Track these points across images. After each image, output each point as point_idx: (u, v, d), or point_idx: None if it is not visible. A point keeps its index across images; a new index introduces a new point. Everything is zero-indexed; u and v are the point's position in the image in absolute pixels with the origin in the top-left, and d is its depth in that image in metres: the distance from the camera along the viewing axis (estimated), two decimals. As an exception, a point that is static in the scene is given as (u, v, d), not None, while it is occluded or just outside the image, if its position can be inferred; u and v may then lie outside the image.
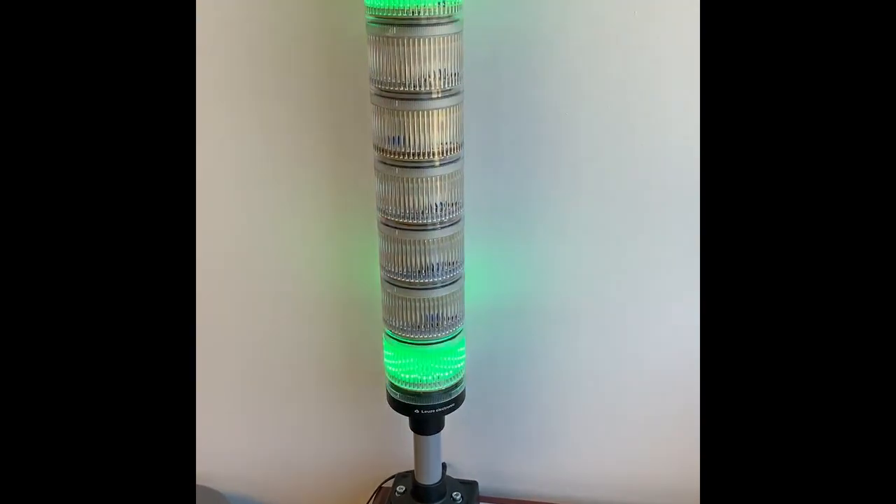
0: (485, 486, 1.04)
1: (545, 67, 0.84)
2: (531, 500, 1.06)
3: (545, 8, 0.82)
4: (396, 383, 0.85)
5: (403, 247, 0.78)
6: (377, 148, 0.76)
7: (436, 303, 0.80)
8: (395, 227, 0.77)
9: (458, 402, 0.86)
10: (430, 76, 0.71)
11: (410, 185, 0.75)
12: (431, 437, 0.89)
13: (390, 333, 0.84)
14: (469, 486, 0.98)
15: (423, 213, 0.76)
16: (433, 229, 0.77)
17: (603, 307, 0.95)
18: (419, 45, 0.70)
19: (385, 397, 0.88)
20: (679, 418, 0.99)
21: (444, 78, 0.72)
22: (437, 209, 0.76)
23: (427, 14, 0.69)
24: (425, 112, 0.72)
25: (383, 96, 0.73)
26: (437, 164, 0.75)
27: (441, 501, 0.94)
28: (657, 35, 0.82)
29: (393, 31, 0.69)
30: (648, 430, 1.01)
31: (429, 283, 0.79)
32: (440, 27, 0.70)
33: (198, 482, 1.14)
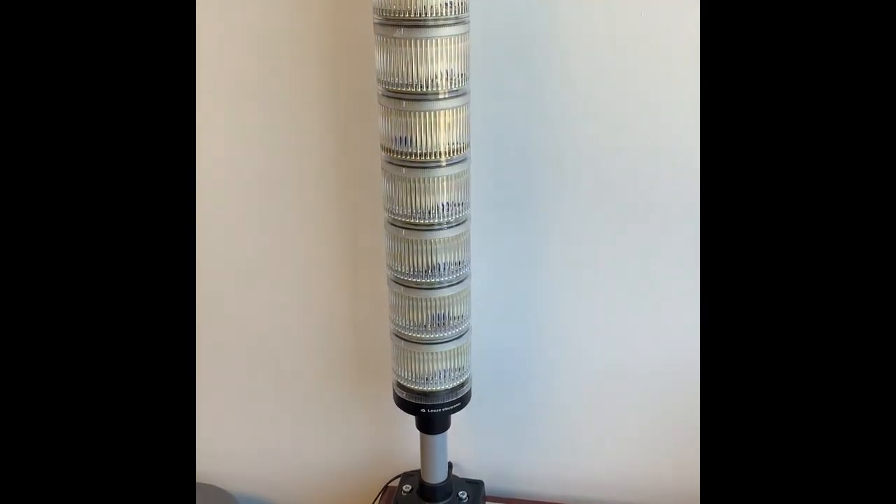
0: (491, 485, 1.05)
1: (551, 68, 0.85)
2: (537, 499, 1.06)
3: (551, 9, 0.82)
4: (403, 382, 0.85)
5: (410, 246, 0.78)
6: (384, 148, 0.77)
7: (442, 302, 0.81)
8: (402, 227, 0.78)
9: (464, 401, 0.87)
10: (436, 77, 0.71)
11: (417, 185, 0.76)
12: (438, 437, 0.90)
13: (397, 332, 0.84)
14: (475, 486, 0.98)
15: (429, 212, 0.77)
16: (440, 229, 0.77)
17: (609, 307, 0.95)
18: (426, 46, 0.70)
19: (391, 396, 0.88)
20: (684, 419, 0.99)
21: (451, 79, 0.72)
22: (443, 209, 0.77)
23: (434, 15, 0.69)
24: (432, 112, 0.73)
25: (390, 97, 0.73)
26: (444, 164, 0.75)
27: (447, 501, 0.94)
28: (662, 36, 0.82)
29: (400, 32, 0.70)
30: (653, 430, 1.01)
31: (435, 283, 0.80)
32: (447, 28, 0.70)
33: (205, 481, 1.14)
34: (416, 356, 0.83)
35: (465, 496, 0.95)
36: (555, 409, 1.03)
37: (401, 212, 0.77)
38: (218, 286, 1.02)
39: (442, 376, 0.84)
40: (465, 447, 1.06)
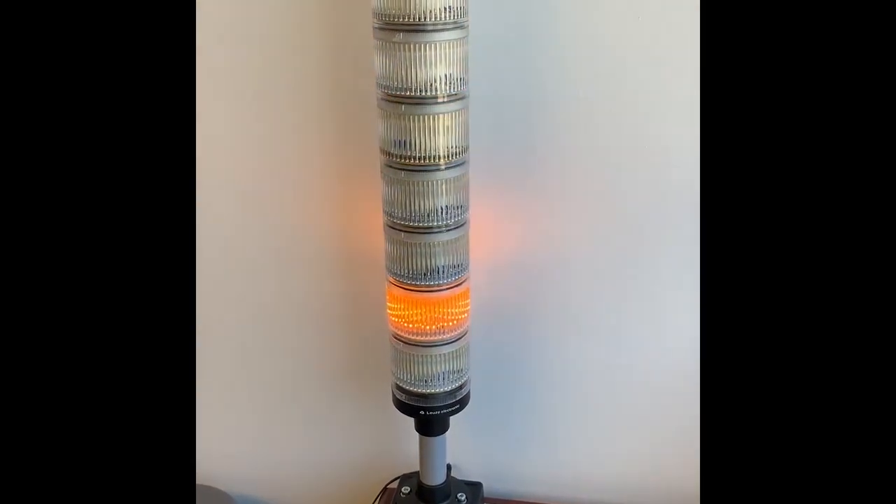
0: (489, 487, 1.05)
1: (550, 71, 0.85)
2: (535, 501, 1.06)
3: (550, 12, 0.83)
4: (402, 385, 0.86)
5: (409, 249, 0.79)
6: (383, 152, 0.77)
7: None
8: (401, 230, 0.78)
9: (463, 403, 0.87)
10: (435, 81, 0.72)
11: (416, 189, 0.76)
12: (437, 439, 0.90)
13: (396, 335, 0.84)
14: (474, 487, 0.98)
15: (428, 216, 0.77)
16: (438, 232, 0.78)
17: (607, 309, 0.95)
18: (425, 50, 0.70)
19: (390, 398, 0.89)
20: (683, 420, 0.99)
21: (450, 83, 0.72)
22: (442, 212, 0.77)
23: (433, 19, 0.69)
24: (431, 116, 0.73)
25: (389, 101, 0.74)
26: (443, 167, 0.75)
27: (446, 502, 0.94)
28: (659, 39, 0.82)
29: (399, 36, 0.70)
30: (652, 431, 1.02)
31: (434, 286, 0.80)
32: (446, 32, 0.70)
33: (204, 483, 1.14)
34: (415, 358, 0.83)
35: (463, 498, 0.95)
36: (554, 412, 1.03)
37: (400, 215, 0.77)
38: (218, 287, 1.03)
39: (441, 378, 0.84)
40: (464, 449, 1.06)
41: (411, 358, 0.83)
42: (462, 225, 0.79)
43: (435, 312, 0.81)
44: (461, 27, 0.72)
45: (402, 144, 0.75)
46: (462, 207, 0.79)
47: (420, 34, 0.70)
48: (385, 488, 1.06)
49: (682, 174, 0.87)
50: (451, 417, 0.88)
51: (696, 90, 0.83)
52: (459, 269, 0.81)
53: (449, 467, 0.96)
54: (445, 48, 0.71)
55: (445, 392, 0.85)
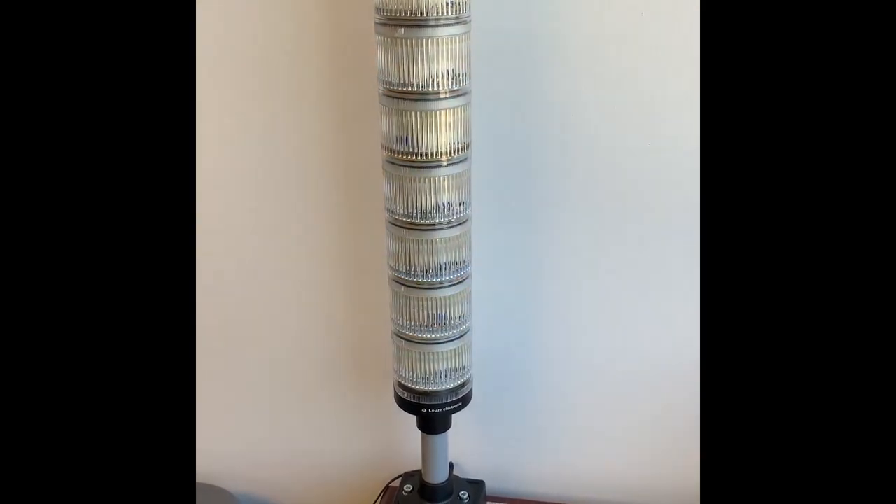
0: (491, 485, 1.05)
1: (552, 68, 0.85)
2: (537, 499, 1.06)
3: (552, 9, 0.82)
4: (404, 382, 0.85)
5: (411, 246, 0.78)
6: (385, 148, 0.77)
7: (443, 302, 0.81)
8: (403, 227, 0.78)
9: (465, 401, 0.87)
10: (437, 77, 0.71)
11: (418, 185, 0.76)
12: (439, 437, 0.90)
13: (398, 332, 0.84)
14: (476, 486, 0.98)
15: (430, 212, 0.77)
16: (440, 229, 0.77)
17: (610, 307, 0.95)
18: (427, 45, 0.70)
19: (392, 396, 0.88)
20: (683, 419, 0.99)
21: (452, 78, 0.72)
22: (444, 209, 0.77)
23: (435, 15, 0.69)
24: (433, 112, 0.73)
25: (391, 97, 0.73)
26: (445, 163, 0.75)
27: (448, 501, 0.94)
28: (662, 35, 0.82)
29: (401, 31, 0.70)
30: (653, 431, 1.01)
31: (436, 283, 0.80)
32: (448, 28, 0.70)
33: (206, 481, 1.14)
34: (417, 356, 0.83)
35: (465, 496, 0.95)
36: (556, 410, 1.02)
37: (402, 212, 0.77)
38: (218, 286, 1.02)
39: (443, 376, 0.84)
40: (467, 447, 1.06)
41: (413, 355, 0.83)
42: (464, 222, 0.79)
43: (436, 310, 0.81)
44: (463, 22, 0.71)
45: (403, 140, 0.74)
46: (464, 204, 0.79)
47: (422, 29, 0.69)
48: (387, 486, 1.05)
49: (684, 173, 0.87)
50: (454, 415, 0.88)
51: (697, 87, 0.82)
52: (461, 265, 0.81)
53: (451, 465, 0.95)
54: (447, 43, 0.71)
55: (447, 390, 0.84)
